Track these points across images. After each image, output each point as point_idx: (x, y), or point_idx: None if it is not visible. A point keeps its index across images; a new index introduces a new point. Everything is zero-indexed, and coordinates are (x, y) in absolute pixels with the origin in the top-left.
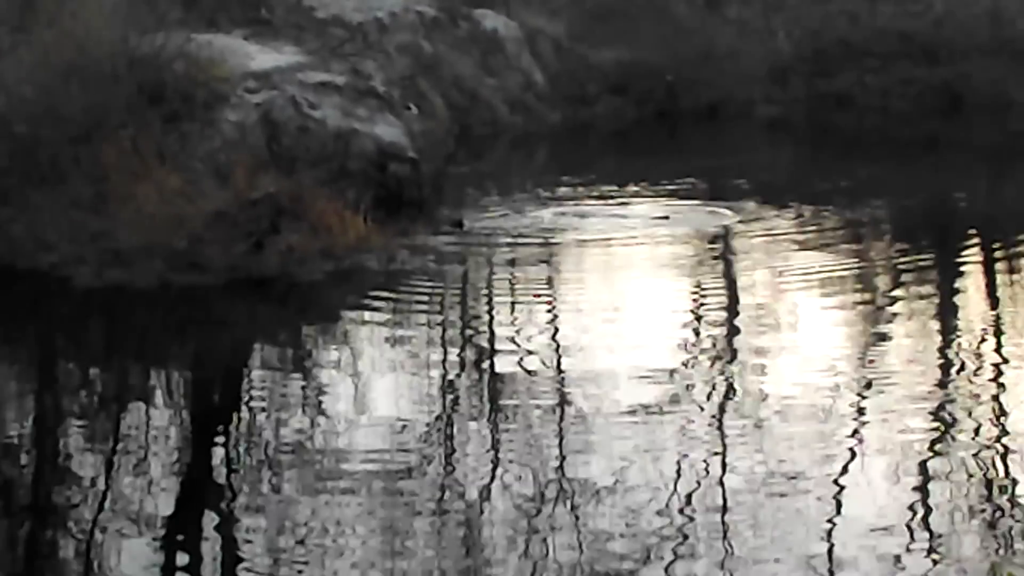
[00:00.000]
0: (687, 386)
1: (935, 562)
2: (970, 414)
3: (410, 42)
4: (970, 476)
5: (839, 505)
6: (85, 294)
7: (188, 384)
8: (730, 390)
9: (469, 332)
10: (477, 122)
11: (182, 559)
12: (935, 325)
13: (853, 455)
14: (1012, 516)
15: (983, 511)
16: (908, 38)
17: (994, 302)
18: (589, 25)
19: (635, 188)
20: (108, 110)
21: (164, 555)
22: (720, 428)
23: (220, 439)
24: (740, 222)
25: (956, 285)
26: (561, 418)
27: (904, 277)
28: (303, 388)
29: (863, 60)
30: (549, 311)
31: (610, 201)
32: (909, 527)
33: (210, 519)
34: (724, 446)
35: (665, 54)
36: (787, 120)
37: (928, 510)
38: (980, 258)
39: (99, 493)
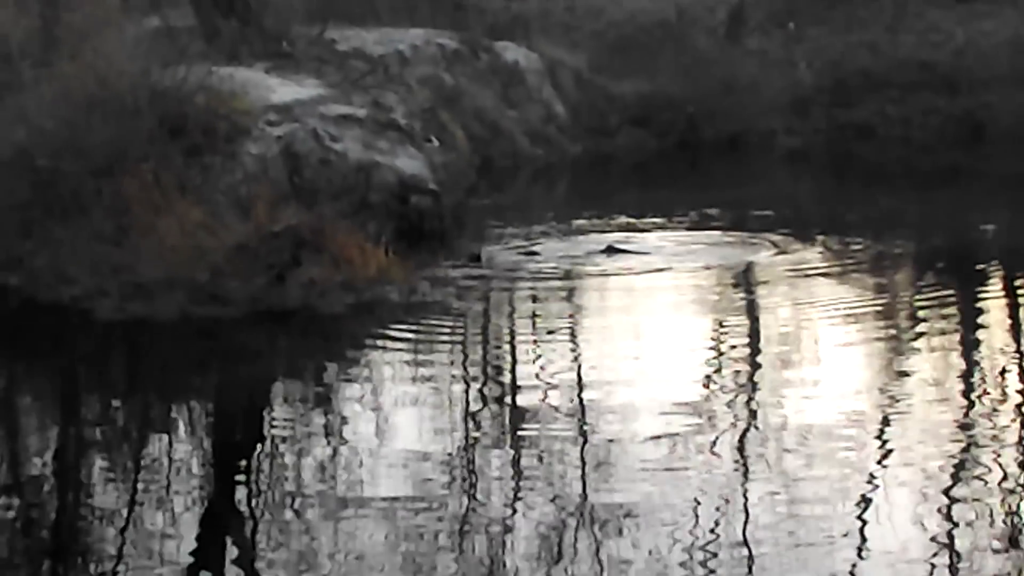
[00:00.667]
0: (710, 419)
1: None
2: (995, 449)
3: (431, 74)
4: (993, 509)
5: (863, 537)
6: (107, 327)
7: (209, 417)
8: (753, 423)
9: (490, 365)
10: (498, 154)
11: None
12: (958, 358)
13: (876, 487)
14: None
15: (1006, 545)
16: (929, 68)
17: (1018, 335)
18: (610, 57)
19: (657, 220)
20: (130, 143)
21: None
22: (743, 459)
23: (242, 472)
24: (763, 254)
25: (979, 319)
26: (583, 450)
27: (927, 310)
28: (325, 421)
29: (884, 90)
30: (571, 344)
31: (633, 232)
32: (932, 563)
33: (232, 552)
34: (746, 476)
35: (686, 85)
36: (808, 151)
37: (952, 544)
38: (1003, 290)
39: (121, 526)
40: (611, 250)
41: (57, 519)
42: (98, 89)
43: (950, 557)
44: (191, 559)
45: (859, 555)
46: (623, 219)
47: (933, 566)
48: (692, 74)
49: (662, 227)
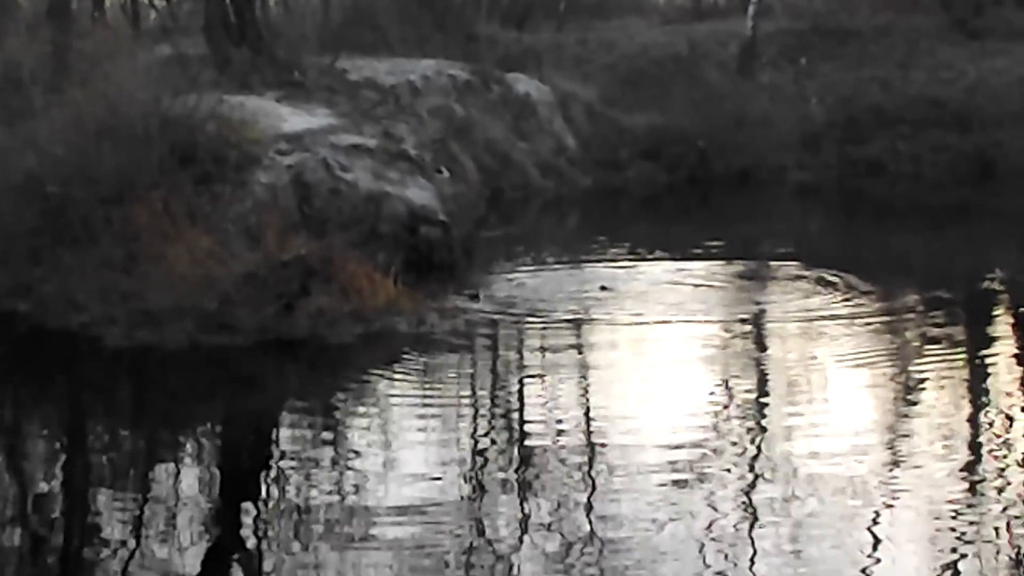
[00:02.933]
0: (717, 459)
1: None
2: (1001, 492)
3: (442, 105)
4: (1000, 551)
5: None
6: (115, 354)
7: (217, 445)
8: (760, 465)
9: (498, 396)
10: (508, 186)
11: None
12: (970, 400)
13: (883, 529)
14: None
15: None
16: (940, 105)
17: None
18: (621, 90)
19: (666, 255)
20: (140, 171)
21: None
22: (749, 499)
23: (249, 501)
24: (773, 293)
25: (991, 360)
26: (591, 481)
27: (937, 349)
28: (332, 451)
29: (895, 127)
30: (579, 377)
31: (641, 268)
32: None
33: None
34: (755, 516)
35: (697, 120)
36: (819, 186)
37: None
38: (1014, 330)
39: (128, 554)
40: (603, 289)
41: (63, 547)
42: (109, 116)
43: None
44: None
45: None
46: (633, 252)
47: None
48: (703, 108)
49: (670, 261)
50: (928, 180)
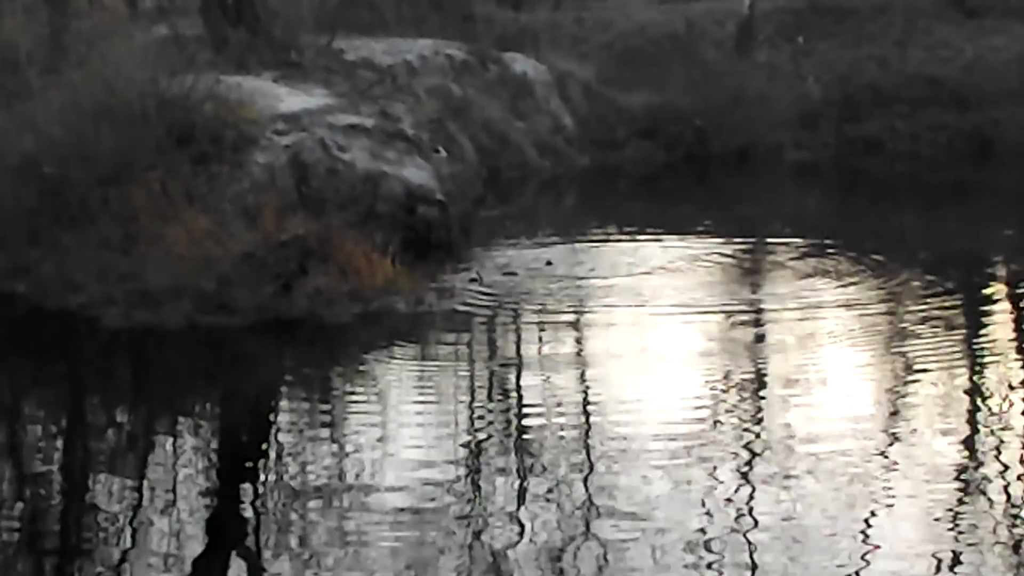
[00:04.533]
0: (716, 433)
1: None
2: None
3: (439, 85)
4: (999, 522)
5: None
6: (113, 334)
7: (215, 425)
8: (759, 441)
9: (495, 375)
10: (506, 165)
11: None
12: (968, 376)
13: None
14: None
15: (1014, 557)
16: (938, 84)
17: None
18: (618, 69)
19: (664, 233)
20: (137, 151)
21: None
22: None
23: (247, 480)
24: (771, 272)
25: (990, 336)
26: (588, 460)
27: (936, 326)
28: (330, 429)
29: (893, 105)
30: (577, 356)
31: (640, 245)
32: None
33: (237, 562)
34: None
35: (694, 98)
36: (816, 165)
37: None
38: (1012, 308)
39: (126, 533)
40: (615, 260)
41: (63, 526)
42: (106, 97)
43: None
44: (196, 565)
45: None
46: (630, 231)
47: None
48: (701, 87)
49: (668, 238)
50: (926, 158)
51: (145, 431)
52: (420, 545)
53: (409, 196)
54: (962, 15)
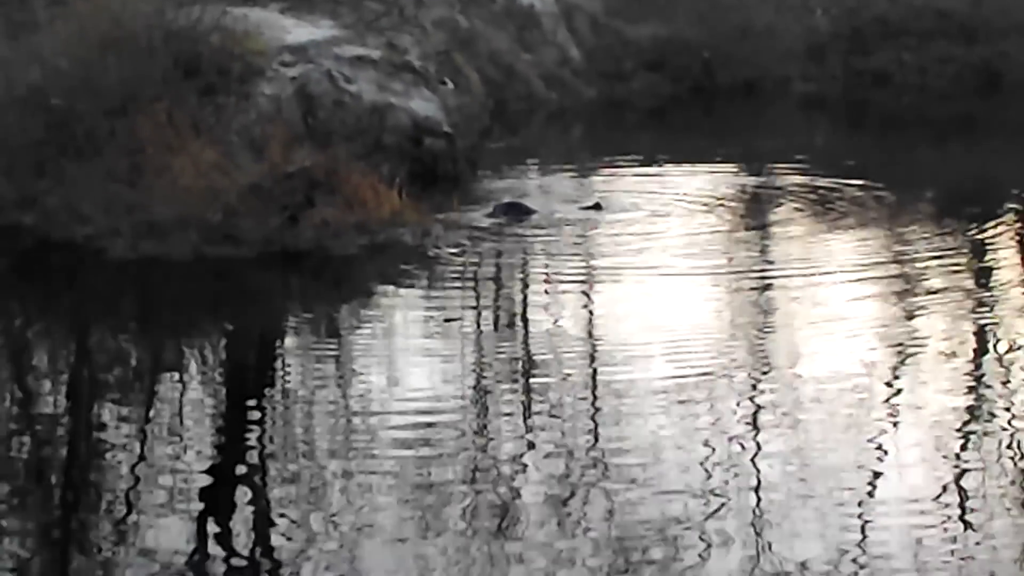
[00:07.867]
0: (722, 364)
1: (970, 541)
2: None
3: (446, 17)
4: (1005, 461)
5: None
6: (120, 266)
7: (222, 357)
8: (767, 372)
9: (502, 307)
10: (513, 97)
11: (215, 532)
12: (975, 313)
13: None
14: None
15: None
16: (946, 16)
17: None
18: (626, 0)
19: (673, 166)
20: (144, 83)
21: (197, 528)
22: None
23: (254, 412)
24: (779, 201)
25: (996, 270)
26: (595, 394)
27: (943, 262)
28: (337, 362)
29: (901, 38)
30: (584, 285)
31: (648, 177)
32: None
33: (243, 492)
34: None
35: (702, 30)
36: (824, 97)
37: (964, 495)
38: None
39: (132, 466)
40: (623, 192)
41: (68, 458)
42: (112, 28)
43: (961, 509)
44: (202, 498)
45: (867, 506)
46: (638, 163)
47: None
48: (708, 19)
49: (677, 172)
50: (934, 91)
51: (151, 362)
52: (425, 479)
53: (416, 128)
54: None
